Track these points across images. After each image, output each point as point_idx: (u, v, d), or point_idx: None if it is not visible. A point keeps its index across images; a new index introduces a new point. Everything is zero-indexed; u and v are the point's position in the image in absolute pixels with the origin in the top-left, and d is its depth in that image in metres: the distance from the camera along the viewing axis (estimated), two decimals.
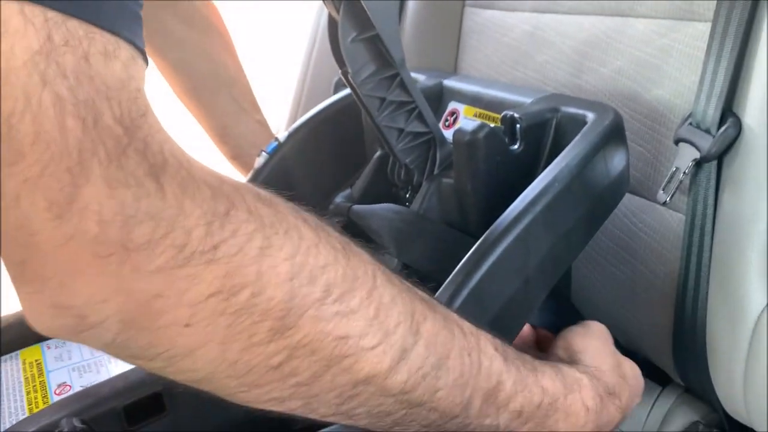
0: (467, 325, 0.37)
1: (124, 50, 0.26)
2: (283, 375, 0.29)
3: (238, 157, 0.80)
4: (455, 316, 0.37)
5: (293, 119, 0.89)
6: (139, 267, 0.25)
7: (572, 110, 0.53)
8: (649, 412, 0.63)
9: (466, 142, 0.51)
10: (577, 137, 0.49)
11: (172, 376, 0.29)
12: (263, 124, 0.80)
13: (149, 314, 0.26)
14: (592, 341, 0.46)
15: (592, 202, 0.49)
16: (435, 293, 0.44)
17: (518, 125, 0.52)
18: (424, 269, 0.54)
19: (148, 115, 0.27)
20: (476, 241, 0.51)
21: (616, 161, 0.51)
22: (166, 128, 0.27)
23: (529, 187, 0.47)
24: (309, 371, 0.30)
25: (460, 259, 0.46)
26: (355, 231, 0.60)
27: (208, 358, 0.28)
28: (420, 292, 0.35)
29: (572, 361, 0.44)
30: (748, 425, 0.56)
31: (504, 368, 0.37)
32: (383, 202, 0.61)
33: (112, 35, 0.26)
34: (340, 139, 0.68)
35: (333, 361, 0.30)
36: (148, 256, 0.25)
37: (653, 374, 0.64)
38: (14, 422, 0.47)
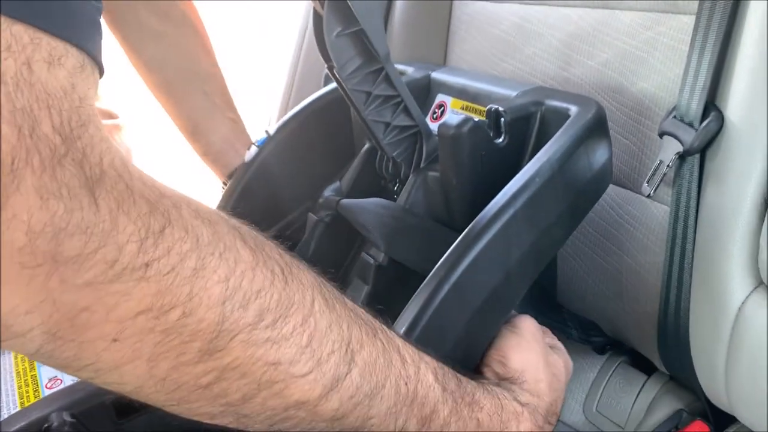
0: (410, 353, 0.36)
1: (72, 57, 0.26)
2: (213, 394, 0.29)
3: (209, 154, 0.79)
4: (399, 342, 0.36)
5: (284, 112, 0.89)
6: (68, 280, 0.25)
7: (556, 103, 0.53)
8: (635, 400, 0.64)
9: (451, 136, 0.51)
10: (560, 131, 0.49)
11: (101, 386, 0.29)
12: (236, 122, 0.79)
13: (75, 327, 0.26)
14: (527, 355, 0.46)
15: (573, 196, 0.49)
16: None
17: (503, 119, 0.53)
18: (410, 264, 0.55)
19: (89, 125, 0.26)
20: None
21: (599, 155, 0.51)
22: (108, 139, 0.27)
23: (511, 182, 0.47)
24: (239, 393, 0.30)
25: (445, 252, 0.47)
26: (345, 224, 0.61)
27: (136, 374, 0.28)
28: (365, 316, 0.35)
29: (511, 380, 0.44)
30: (730, 413, 0.56)
31: (441, 398, 0.37)
32: (372, 195, 0.61)
33: (60, 41, 0.25)
34: (329, 132, 0.68)
35: (263, 385, 0.30)
36: (77, 270, 0.25)
37: (639, 363, 0.65)
38: (5, 414, 0.48)
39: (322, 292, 0.33)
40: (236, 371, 0.29)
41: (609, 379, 0.67)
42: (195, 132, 0.79)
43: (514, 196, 0.46)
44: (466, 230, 0.46)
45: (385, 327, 0.36)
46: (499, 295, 0.47)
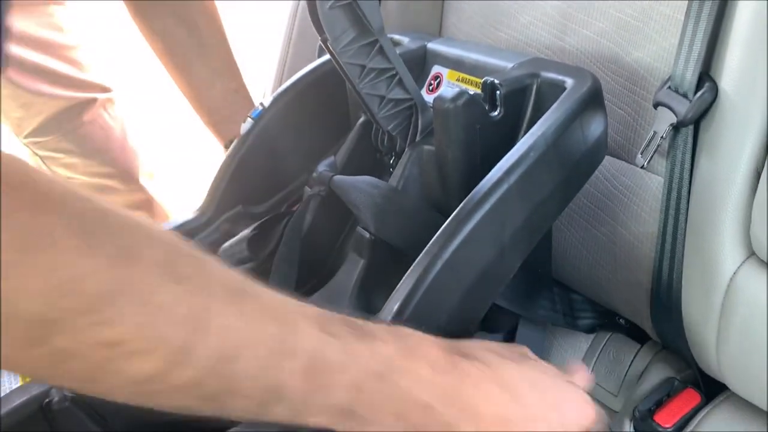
0: (289, 309, 0.35)
1: None
2: (59, 375, 0.30)
3: (213, 123, 0.80)
4: (276, 300, 0.35)
5: (278, 84, 0.88)
6: None
7: (552, 75, 0.53)
8: (628, 369, 0.65)
9: (445, 109, 0.51)
10: (554, 105, 0.49)
11: None
12: (239, 91, 0.80)
13: None
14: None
15: (568, 170, 0.49)
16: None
17: (498, 91, 0.52)
18: (398, 245, 0.55)
19: None
20: None
21: (594, 128, 0.51)
22: None
23: (505, 157, 0.47)
24: (83, 374, 0.30)
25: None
26: (340, 199, 0.61)
27: None
28: (233, 282, 0.34)
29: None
30: (721, 381, 0.57)
31: (328, 347, 0.35)
32: (367, 169, 0.61)
33: None
34: (324, 105, 0.68)
35: (104, 366, 0.30)
36: None
37: (632, 333, 0.66)
38: (8, 389, 0.49)
39: (173, 265, 0.32)
40: (71, 355, 0.29)
41: (602, 348, 0.68)
42: (198, 101, 0.80)
43: (508, 171, 0.46)
44: (459, 206, 0.46)
45: (261, 288, 0.35)
46: (493, 270, 0.47)
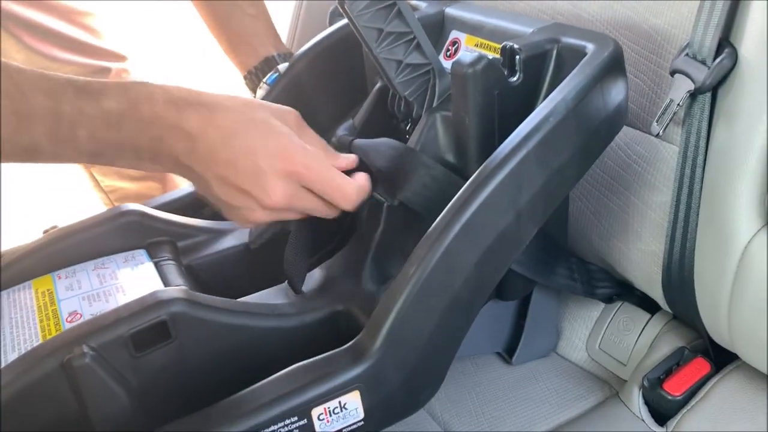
0: (24, 84, 0.43)
1: None
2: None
3: (233, 51, 0.81)
4: (26, 74, 0.43)
5: (290, 47, 0.88)
6: None
7: (572, 41, 0.52)
8: (638, 338, 0.65)
9: (464, 74, 0.51)
10: (575, 70, 0.48)
11: None
12: (257, 18, 0.80)
13: None
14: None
15: (587, 136, 0.49)
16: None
17: (518, 56, 0.52)
18: (417, 207, 0.55)
19: None
20: None
21: (614, 94, 0.50)
22: None
23: (524, 122, 0.47)
24: None
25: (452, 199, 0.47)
26: (358, 164, 0.61)
27: None
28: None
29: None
30: (732, 350, 0.58)
31: (62, 110, 0.43)
32: (384, 134, 0.61)
33: None
34: (341, 70, 0.68)
35: None
36: None
37: (643, 303, 0.67)
38: (28, 347, 0.49)
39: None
40: None
41: (612, 317, 0.68)
42: (218, 27, 0.81)
43: (527, 136, 0.46)
44: (478, 170, 0.46)
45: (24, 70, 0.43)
46: (509, 236, 0.47)
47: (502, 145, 0.46)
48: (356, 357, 0.46)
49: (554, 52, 0.53)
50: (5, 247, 0.65)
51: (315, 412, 0.45)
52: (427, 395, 0.49)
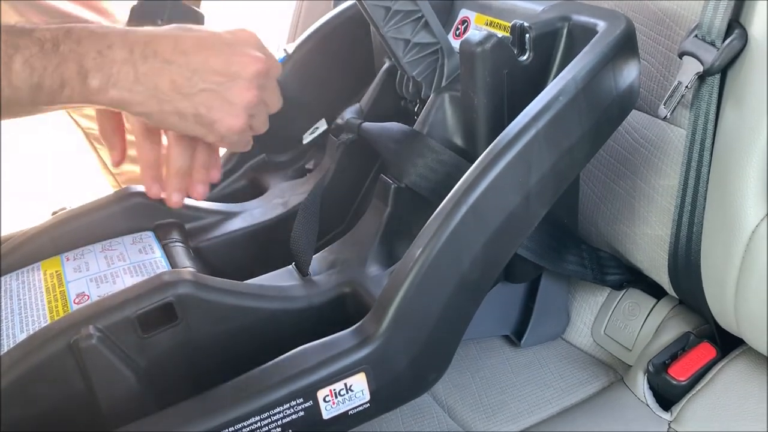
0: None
1: None
2: None
3: None
4: None
5: (294, 30, 0.87)
6: None
7: (583, 19, 0.52)
8: (643, 323, 0.65)
9: (472, 53, 0.50)
10: (586, 48, 0.48)
11: None
12: None
13: None
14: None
15: (597, 116, 0.48)
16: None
17: (528, 35, 0.52)
18: (423, 191, 0.55)
19: None
20: None
21: (626, 74, 0.50)
22: None
23: (533, 101, 0.47)
24: None
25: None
26: (365, 146, 0.60)
27: None
28: None
29: None
30: (738, 335, 0.58)
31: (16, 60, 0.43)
32: (392, 116, 0.61)
33: None
34: (348, 50, 0.67)
35: None
36: None
37: (649, 288, 0.66)
38: (37, 328, 0.49)
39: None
40: None
41: (618, 302, 0.68)
42: None
43: (537, 116, 0.46)
44: (486, 150, 0.46)
45: None
46: (518, 217, 0.47)
47: (511, 125, 0.46)
48: (362, 339, 0.46)
49: (565, 30, 0.53)
50: (14, 230, 0.65)
51: (321, 394, 0.45)
52: (433, 378, 0.49)
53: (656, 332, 0.64)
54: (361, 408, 0.46)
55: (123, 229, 0.60)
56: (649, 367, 0.60)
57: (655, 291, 0.66)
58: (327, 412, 0.45)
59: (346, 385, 0.45)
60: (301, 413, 0.44)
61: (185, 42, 0.46)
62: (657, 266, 0.62)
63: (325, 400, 0.45)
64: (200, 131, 0.48)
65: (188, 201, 0.64)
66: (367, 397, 0.46)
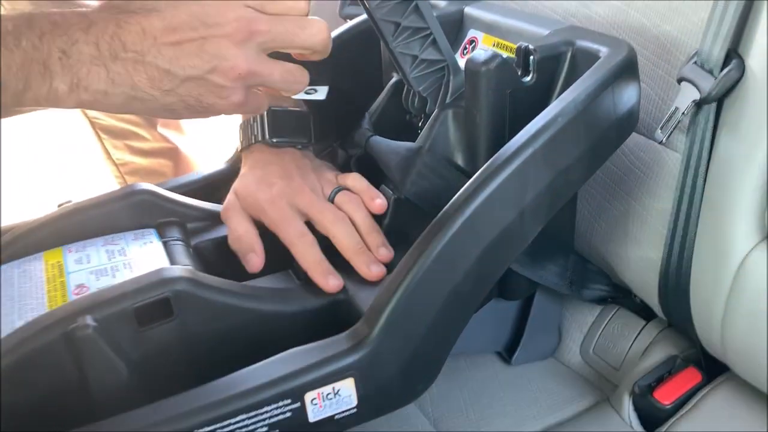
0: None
1: None
2: None
3: None
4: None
5: None
6: None
7: (587, 44, 0.53)
8: (631, 344, 0.66)
9: (477, 71, 0.51)
10: (587, 72, 0.49)
11: None
12: None
13: None
14: None
15: (595, 139, 0.49)
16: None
17: (532, 57, 0.53)
18: (421, 203, 0.56)
19: None
20: None
21: (626, 98, 0.51)
22: None
23: (533, 121, 0.48)
24: None
25: None
26: (369, 161, 0.62)
27: None
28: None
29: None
30: (723, 361, 0.58)
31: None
32: (397, 129, 0.62)
33: None
34: (357, 64, 0.68)
35: None
36: None
37: (639, 310, 0.67)
38: (35, 316, 0.50)
39: None
40: None
41: (607, 323, 0.69)
42: None
43: (536, 134, 0.47)
44: (484, 165, 0.47)
45: None
46: (512, 233, 0.48)
47: (510, 142, 0.47)
48: (353, 344, 0.46)
49: (569, 55, 0.54)
50: (18, 220, 0.66)
51: (308, 397, 0.45)
52: (422, 387, 0.50)
53: (644, 354, 0.65)
54: (347, 413, 0.47)
55: (126, 224, 0.61)
56: (635, 389, 0.60)
57: (645, 312, 0.67)
58: (313, 414, 0.46)
59: (334, 389, 0.46)
60: (288, 414, 0.45)
61: (152, 25, 0.41)
62: (647, 288, 0.62)
63: (312, 403, 0.46)
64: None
65: (191, 201, 0.66)
66: (355, 403, 0.46)
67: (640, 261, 0.62)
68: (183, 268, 0.51)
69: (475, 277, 0.48)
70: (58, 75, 0.40)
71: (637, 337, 0.66)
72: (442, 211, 0.47)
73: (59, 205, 0.63)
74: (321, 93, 0.56)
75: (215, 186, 0.71)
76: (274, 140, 0.62)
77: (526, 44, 0.53)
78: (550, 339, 0.68)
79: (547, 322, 0.67)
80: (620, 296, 0.67)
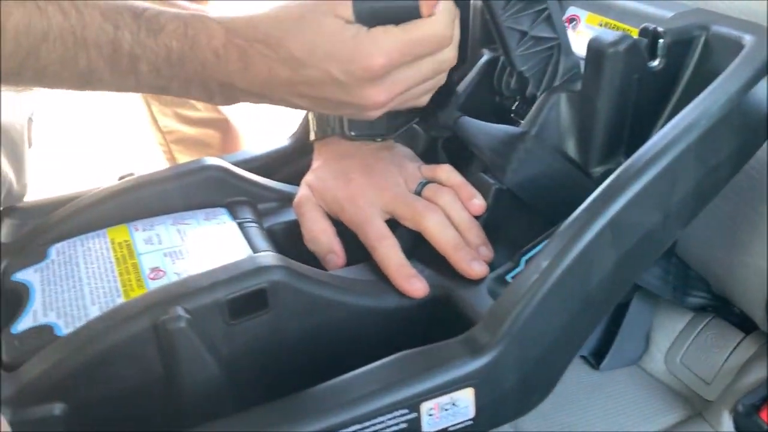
0: (74, 6, 0.40)
1: None
2: None
3: None
4: (66, 3, 0.39)
5: None
6: None
7: (724, 30, 0.48)
8: (727, 357, 0.62)
9: (603, 53, 0.47)
10: (737, 61, 0.44)
11: None
12: None
13: None
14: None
15: (747, 134, 0.45)
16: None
17: (661, 40, 0.48)
18: (526, 196, 0.52)
19: None
20: (587, 180, 0.48)
21: None
22: None
23: (683, 113, 0.43)
24: None
25: (568, 194, 0.43)
26: (457, 142, 0.57)
27: None
28: None
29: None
30: None
31: (115, 35, 0.40)
32: (485, 111, 0.57)
33: None
34: None
35: None
36: None
37: (738, 321, 0.63)
38: (110, 302, 0.45)
39: None
40: None
41: (699, 332, 0.64)
42: None
43: (688, 128, 0.42)
44: (627, 161, 0.43)
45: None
46: (653, 237, 0.43)
47: (658, 137, 0.43)
48: (473, 351, 0.42)
49: (701, 40, 0.49)
50: (70, 189, 0.60)
51: (425, 407, 0.41)
52: (538, 398, 0.46)
53: (742, 369, 0.60)
54: (463, 425, 0.42)
55: (193, 202, 0.56)
56: (738, 407, 0.56)
57: (744, 324, 0.62)
58: (428, 426, 0.41)
59: (452, 398, 0.41)
60: (403, 425, 0.40)
61: (281, 75, 0.42)
62: (752, 298, 0.58)
63: (429, 414, 0.41)
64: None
65: (261, 180, 0.60)
66: (472, 414, 0.42)
67: (747, 269, 0.58)
68: (276, 255, 0.46)
69: (609, 284, 0.43)
70: (217, 98, 0.44)
71: (734, 350, 0.62)
72: (579, 209, 0.42)
73: (120, 178, 0.57)
74: None
75: (278, 164, 0.66)
76: (353, 133, 0.56)
77: (654, 26, 0.48)
78: (638, 345, 0.64)
79: (638, 328, 0.62)
80: (719, 305, 0.63)
